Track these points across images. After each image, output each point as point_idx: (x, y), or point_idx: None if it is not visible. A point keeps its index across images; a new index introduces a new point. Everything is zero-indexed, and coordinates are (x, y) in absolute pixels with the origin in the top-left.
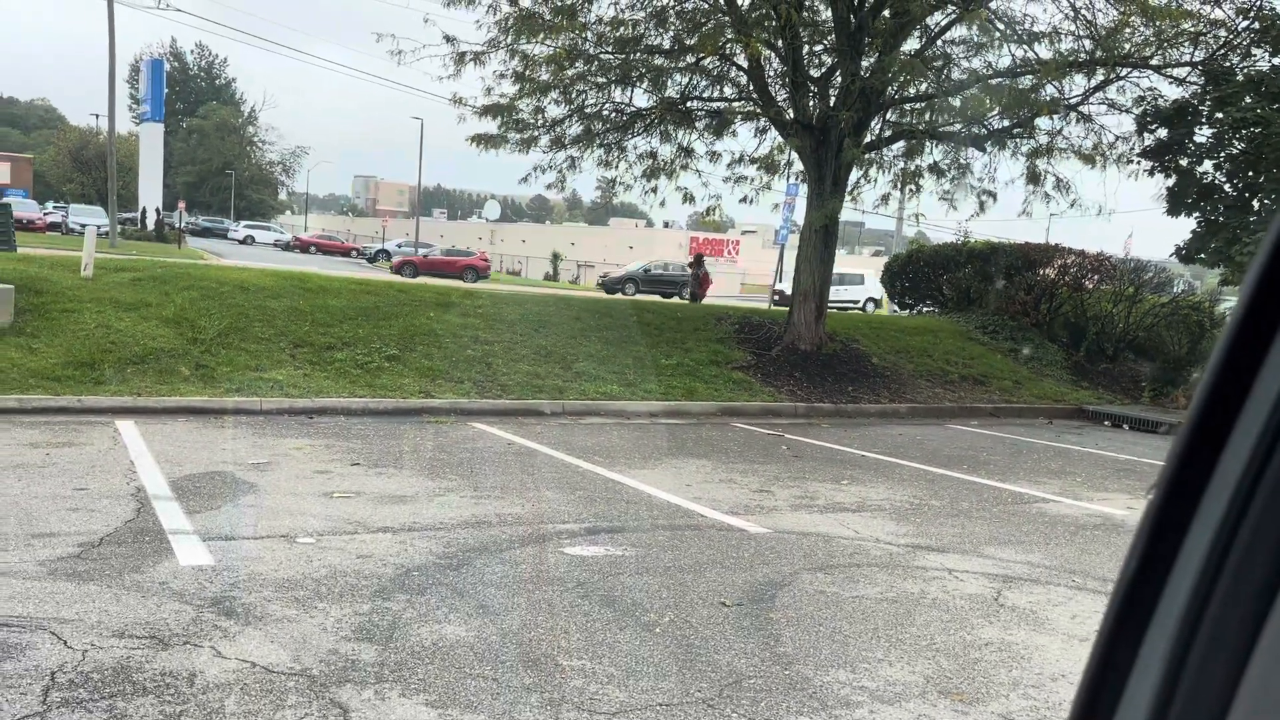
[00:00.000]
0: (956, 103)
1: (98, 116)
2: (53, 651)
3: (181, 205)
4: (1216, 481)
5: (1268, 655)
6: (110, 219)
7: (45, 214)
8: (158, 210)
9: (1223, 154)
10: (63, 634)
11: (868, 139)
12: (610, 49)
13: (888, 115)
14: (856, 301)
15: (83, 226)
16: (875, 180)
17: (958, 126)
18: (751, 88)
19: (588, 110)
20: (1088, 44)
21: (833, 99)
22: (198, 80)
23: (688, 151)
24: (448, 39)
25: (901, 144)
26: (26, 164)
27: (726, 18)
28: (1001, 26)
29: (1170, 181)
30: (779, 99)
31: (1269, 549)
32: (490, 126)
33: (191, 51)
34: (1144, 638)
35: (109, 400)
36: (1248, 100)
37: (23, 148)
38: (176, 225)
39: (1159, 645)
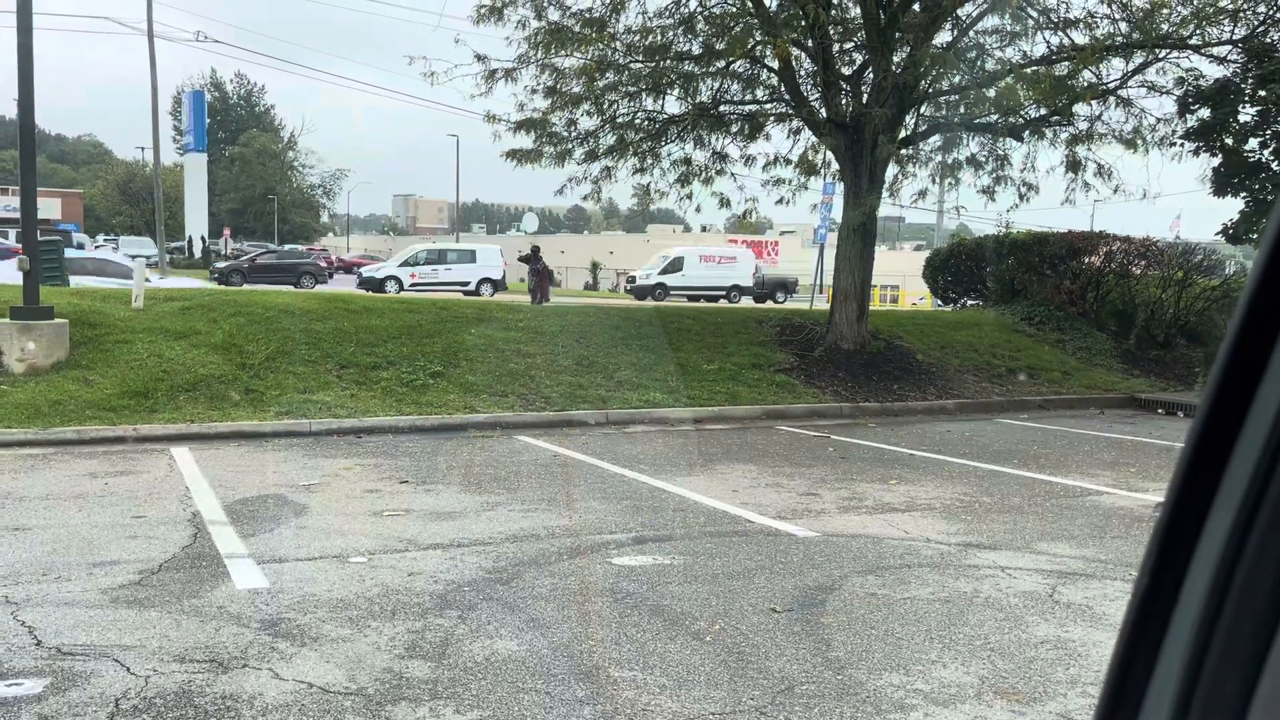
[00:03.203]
0: (991, 94)
1: (143, 149)
2: (116, 678)
3: (227, 232)
4: (1230, 477)
5: None
6: (159, 249)
7: (97, 247)
8: (204, 238)
9: (1269, 131)
10: (125, 660)
11: (903, 134)
12: (640, 58)
13: (922, 109)
14: (466, 283)
15: (133, 258)
16: (914, 175)
17: (994, 117)
18: (783, 89)
19: (620, 120)
20: (1124, 27)
21: (865, 96)
22: (238, 109)
23: (722, 156)
24: (479, 57)
25: (938, 138)
26: (76, 199)
27: (754, 20)
28: (1034, 14)
29: (1216, 162)
30: (811, 99)
31: None
32: (524, 141)
33: (231, 81)
34: (1165, 634)
35: (163, 428)
36: None
37: (72, 183)
38: (222, 252)
39: (1179, 641)
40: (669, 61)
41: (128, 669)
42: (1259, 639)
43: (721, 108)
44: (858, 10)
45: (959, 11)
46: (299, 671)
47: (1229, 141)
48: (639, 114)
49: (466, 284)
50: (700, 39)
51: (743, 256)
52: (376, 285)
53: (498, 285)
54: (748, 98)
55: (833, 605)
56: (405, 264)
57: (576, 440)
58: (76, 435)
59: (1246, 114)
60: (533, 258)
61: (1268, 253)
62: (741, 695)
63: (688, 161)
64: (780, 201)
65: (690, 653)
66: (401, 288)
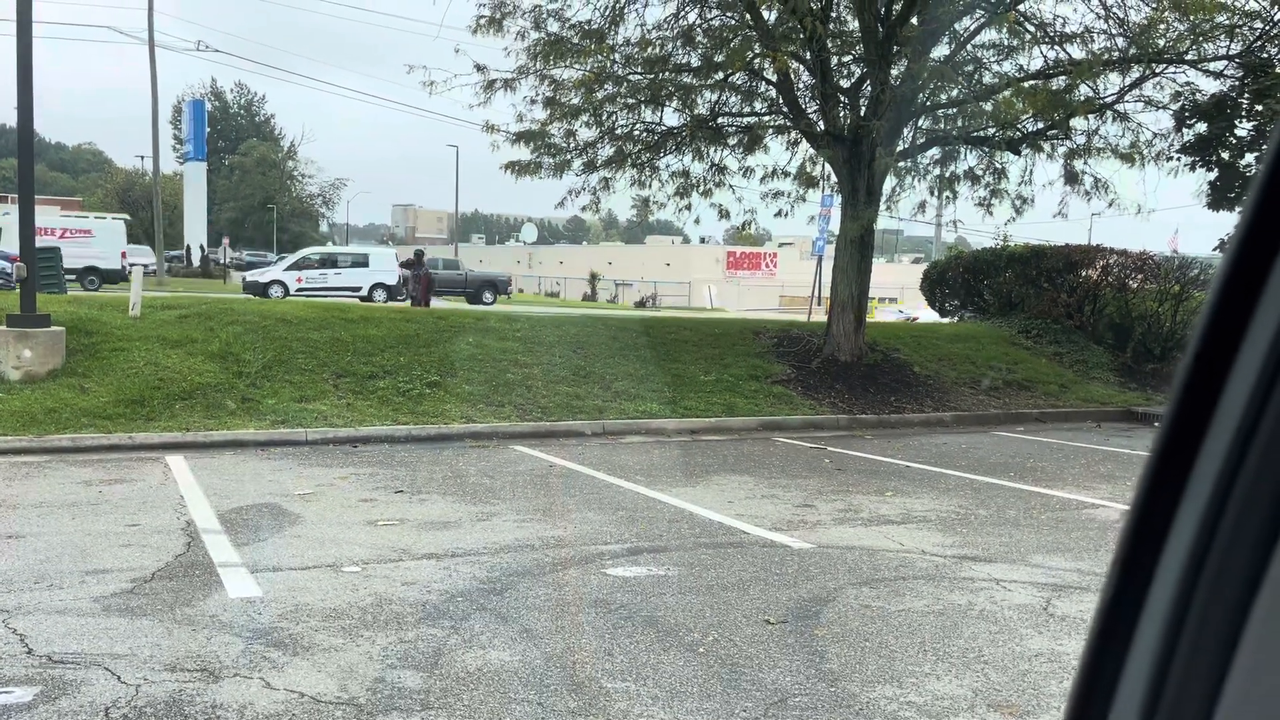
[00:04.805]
0: (989, 107)
1: (143, 158)
2: (107, 687)
3: (225, 241)
4: (1195, 480)
5: (1253, 647)
6: (157, 258)
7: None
8: (202, 247)
9: (1265, 146)
10: (116, 669)
11: (900, 147)
12: (639, 69)
13: (920, 122)
14: (358, 289)
15: (131, 266)
16: (912, 188)
17: (991, 131)
18: (781, 101)
19: (619, 131)
20: (1120, 42)
21: (863, 108)
22: (238, 118)
23: (720, 168)
24: (478, 67)
25: (935, 151)
26: (76, 207)
27: (753, 33)
28: (1032, 29)
29: (1212, 176)
30: (809, 111)
31: (1249, 545)
32: (523, 152)
33: (231, 90)
34: (1132, 638)
35: (159, 436)
36: None
37: (72, 191)
38: (221, 261)
39: (1146, 644)
40: (668, 73)
41: (118, 677)
42: (1225, 641)
43: (720, 120)
44: (856, 24)
45: (957, 25)
46: (290, 681)
47: (1226, 156)
48: (637, 125)
49: (358, 289)
50: (699, 51)
51: (104, 231)
52: (260, 290)
53: (391, 291)
54: (746, 110)
55: (827, 617)
56: (292, 267)
57: (573, 450)
58: (72, 443)
59: (1243, 129)
60: (415, 263)
61: (1234, 255)
62: (734, 707)
63: (686, 174)
64: (779, 213)
65: (684, 664)
66: (287, 293)
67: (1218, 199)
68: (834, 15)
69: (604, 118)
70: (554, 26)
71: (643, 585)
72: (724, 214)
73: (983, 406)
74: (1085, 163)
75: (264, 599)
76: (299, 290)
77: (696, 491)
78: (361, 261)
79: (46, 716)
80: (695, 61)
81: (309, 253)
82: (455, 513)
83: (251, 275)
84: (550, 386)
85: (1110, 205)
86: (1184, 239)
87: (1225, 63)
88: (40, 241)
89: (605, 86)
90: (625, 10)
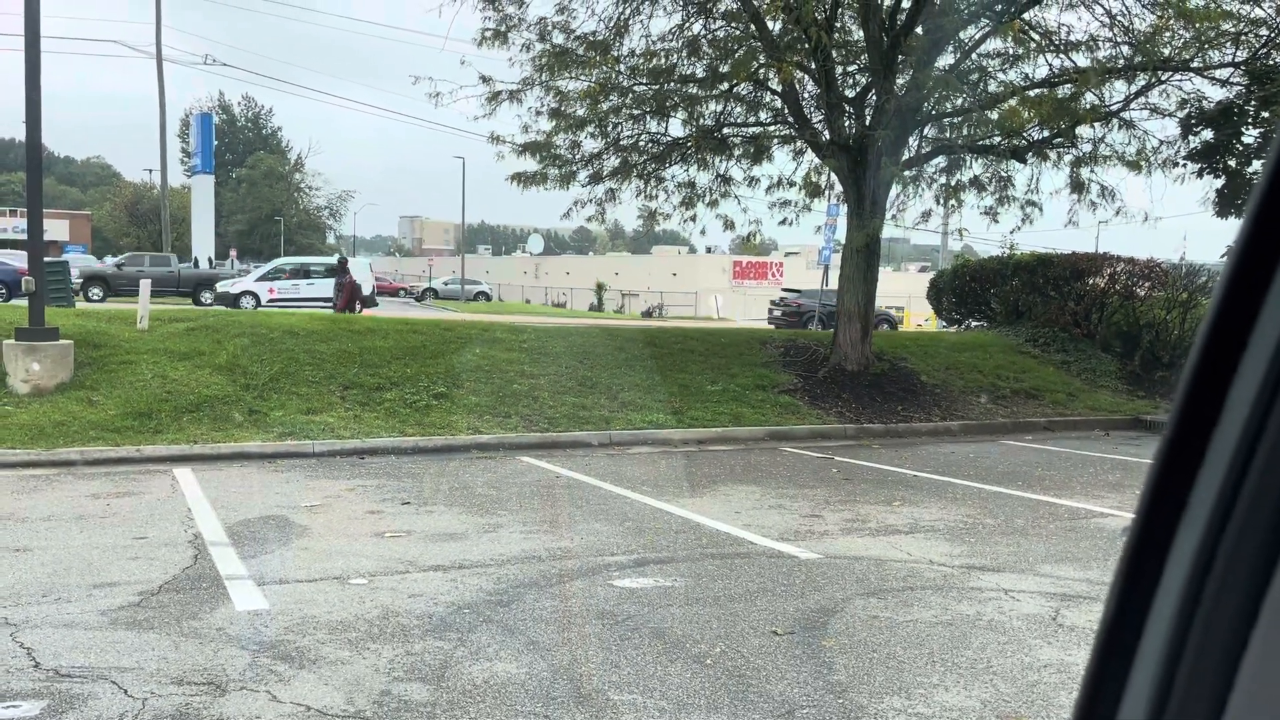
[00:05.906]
0: (994, 115)
1: (151, 171)
2: (114, 701)
3: (233, 253)
4: (1198, 491)
5: (1259, 654)
6: None
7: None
8: (210, 259)
9: (1267, 152)
10: (123, 683)
11: (906, 156)
12: (644, 80)
13: (925, 131)
14: (330, 300)
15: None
16: (918, 196)
17: (997, 139)
18: (786, 111)
19: (624, 142)
20: (1126, 50)
21: (869, 118)
22: (246, 131)
23: (726, 179)
24: (484, 79)
25: (941, 159)
26: (85, 220)
27: (758, 43)
28: (1037, 37)
29: (1219, 183)
30: (814, 121)
31: (1254, 551)
32: (529, 164)
33: (239, 103)
34: (1137, 650)
35: (166, 449)
36: None
37: (81, 205)
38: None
39: (1151, 657)
40: (673, 84)
41: (125, 691)
42: (1230, 649)
43: (725, 130)
44: (861, 33)
45: (961, 34)
46: (297, 694)
47: (1232, 163)
48: (643, 136)
49: (330, 300)
50: (704, 62)
51: None
52: (231, 301)
53: (365, 301)
54: (751, 120)
55: (834, 628)
56: (264, 278)
57: (579, 461)
58: (80, 456)
59: (1250, 136)
60: (339, 270)
61: (1236, 261)
62: (741, 719)
63: (692, 184)
64: (784, 223)
65: (691, 676)
66: (259, 303)
67: (1225, 206)
68: (839, 25)
69: (609, 129)
70: (559, 38)
71: (649, 596)
72: (729, 225)
73: (990, 415)
74: (1092, 170)
75: (271, 612)
76: (270, 301)
77: (703, 502)
78: (335, 272)
79: None
80: (700, 72)
81: (281, 263)
82: (462, 524)
83: (223, 286)
84: (556, 397)
85: (1117, 213)
86: (1191, 246)
87: (1231, 70)
88: None
89: (610, 97)
90: (630, 22)
